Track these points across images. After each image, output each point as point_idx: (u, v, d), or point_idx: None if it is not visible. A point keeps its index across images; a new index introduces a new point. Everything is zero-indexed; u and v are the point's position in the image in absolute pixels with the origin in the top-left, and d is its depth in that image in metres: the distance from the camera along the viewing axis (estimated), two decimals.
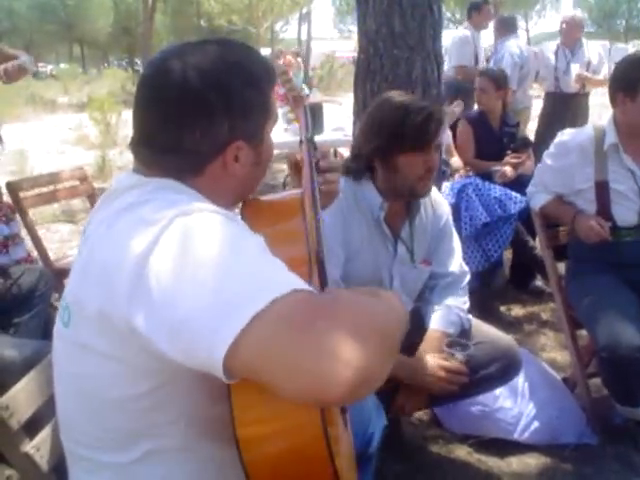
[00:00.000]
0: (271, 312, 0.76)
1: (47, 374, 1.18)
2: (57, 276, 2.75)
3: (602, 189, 2.32)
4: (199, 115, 1.01)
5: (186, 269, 0.82)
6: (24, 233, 3.16)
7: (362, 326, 0.78)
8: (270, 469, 0.86)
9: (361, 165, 1.99)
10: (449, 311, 2.07)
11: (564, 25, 5.61)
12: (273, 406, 0.81)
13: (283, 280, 0.81)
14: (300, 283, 0.83)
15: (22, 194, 2.98)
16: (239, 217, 1.14)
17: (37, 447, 1.23)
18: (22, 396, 1.24)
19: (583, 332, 2.47)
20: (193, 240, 0.85)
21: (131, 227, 0.90)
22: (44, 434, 1.26)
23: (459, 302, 2.11)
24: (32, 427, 1.25)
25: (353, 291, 0.99)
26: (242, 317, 0.76)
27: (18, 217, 2.89)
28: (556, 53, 5.60)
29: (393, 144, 1.88)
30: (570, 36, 5.57)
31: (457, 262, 2.17)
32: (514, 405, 2.32)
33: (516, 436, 2.28)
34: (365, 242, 1.98)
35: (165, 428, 0.99)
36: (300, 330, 0.75)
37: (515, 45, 5.58)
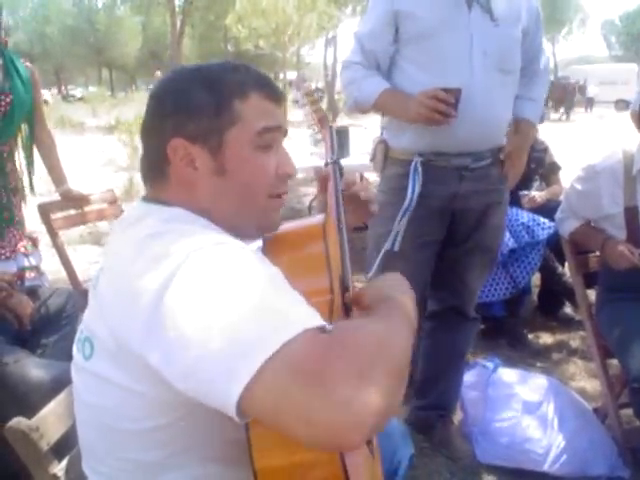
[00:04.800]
0: (281, 357, 0.74)
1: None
2: (85, 297, 2.76)
3: (632, 215, 2.29)
4: (154, 117, 1.07)
5: (200, 308, 0.81)
6: (51, 253, 3.20)
7: (374, 365, 0.76)
8: None
9: None
10: None
11: None
12: (291, 439, 0.80)
13: (295, 320, 0.79)
14: (313, 319, 0.81)
15: (53, 216, 3.02)
16: (256, 248, 1.13)
17: (65, 469, 1.23)
18: (51, 418, 1.25)
19: (614, 361, 2.42)
20: (207, 277, 0.84)
21: (145, 262, 0.89)
22: (71, 456, 1.26)
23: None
24: (60, 449, 1.25)
25: (366, 320, 0.95)
26: (252, 364, 0.74)
27: (40, 249, 2.90)
28: None
29: None
30: None
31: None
32: (543, 436, 2.27)
33: (546, 468, 2.23)
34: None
35: (184, 457, 0.98)
36: (309, 377, 0.73)
37: None
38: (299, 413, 0.72)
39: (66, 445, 1.27)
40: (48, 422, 1.23)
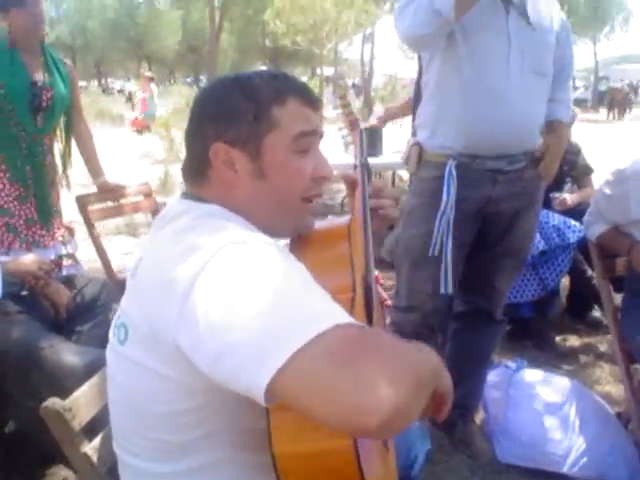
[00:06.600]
0: (314, 346, 0.78)
1: (106, 381, 1.25)
2: (119, 287, 2.84)
3: None
4: (197, 122, 1.14)
5: (232, 299, 0.85)
6: (88, 244, 3.29)
7: (400, 365, 0.80)
8: None
9: None
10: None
11: None
12: (308, 426, 0.83)
13: (327, 314, 0.84)
14: (343, 316, 0.85)
15: (90, 207, 3.11)
16: (286, 246, 1.18)
17: (95, 448, 1.29)
18: (83, 400, 1.32)
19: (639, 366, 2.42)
20: (240, 270, 0.88)
21: (180, 253, 0.94)
22: (102, 437, 1.33)
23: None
24: (91, 430, 1.32)
25: (393, 336, 0.98)
26: (286, 350, 0.78)
27: (76, 238, 2.99)
28: None
29: None
30: None
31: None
32: (564, 438, 2.27)
33: (565, 470, 2.24)
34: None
35: (209, 441, 1.03)
36: (340, 363, 0.77)
37: None
38: (326, 394, 0.76)
39: (97, 426, 1.34)
40: (80, 403, 1.30)
